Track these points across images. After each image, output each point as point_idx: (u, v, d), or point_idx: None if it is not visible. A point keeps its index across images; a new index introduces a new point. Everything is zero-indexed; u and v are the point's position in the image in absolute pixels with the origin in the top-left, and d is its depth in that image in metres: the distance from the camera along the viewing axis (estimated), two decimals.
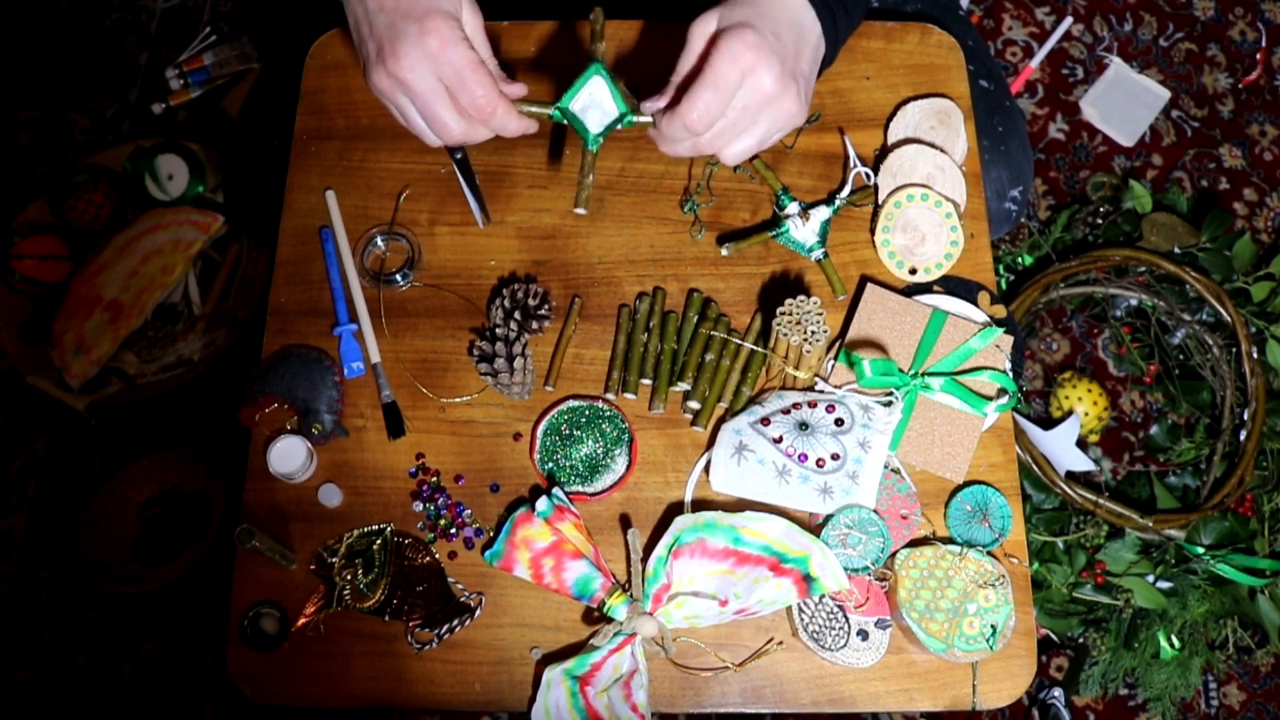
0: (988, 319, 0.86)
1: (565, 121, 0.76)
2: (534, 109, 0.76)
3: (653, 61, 0.95)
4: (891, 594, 0.78)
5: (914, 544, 0.79)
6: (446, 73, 0.71)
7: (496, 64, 0.77)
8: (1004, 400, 0.81)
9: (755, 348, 0.84)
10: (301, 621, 0.78)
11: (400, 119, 0.76)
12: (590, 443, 0.83)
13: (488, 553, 0.80)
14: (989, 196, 1.05)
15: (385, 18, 0.71)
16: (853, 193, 0.90)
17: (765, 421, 0.80)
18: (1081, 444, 1.49)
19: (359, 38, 0.75)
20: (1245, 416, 1.40)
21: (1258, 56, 1.80)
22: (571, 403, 0.84)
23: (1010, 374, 0.83)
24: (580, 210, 0.75)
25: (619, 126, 0.76)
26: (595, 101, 0.76)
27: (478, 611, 0.79)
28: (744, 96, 0.72)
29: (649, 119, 0.76)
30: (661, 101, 0.75)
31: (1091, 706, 1.44)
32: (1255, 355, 1.39)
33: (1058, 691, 1.40)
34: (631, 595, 0.77)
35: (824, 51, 0.79)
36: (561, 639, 0.79)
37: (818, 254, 0.88)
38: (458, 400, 0.85)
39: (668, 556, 0.76)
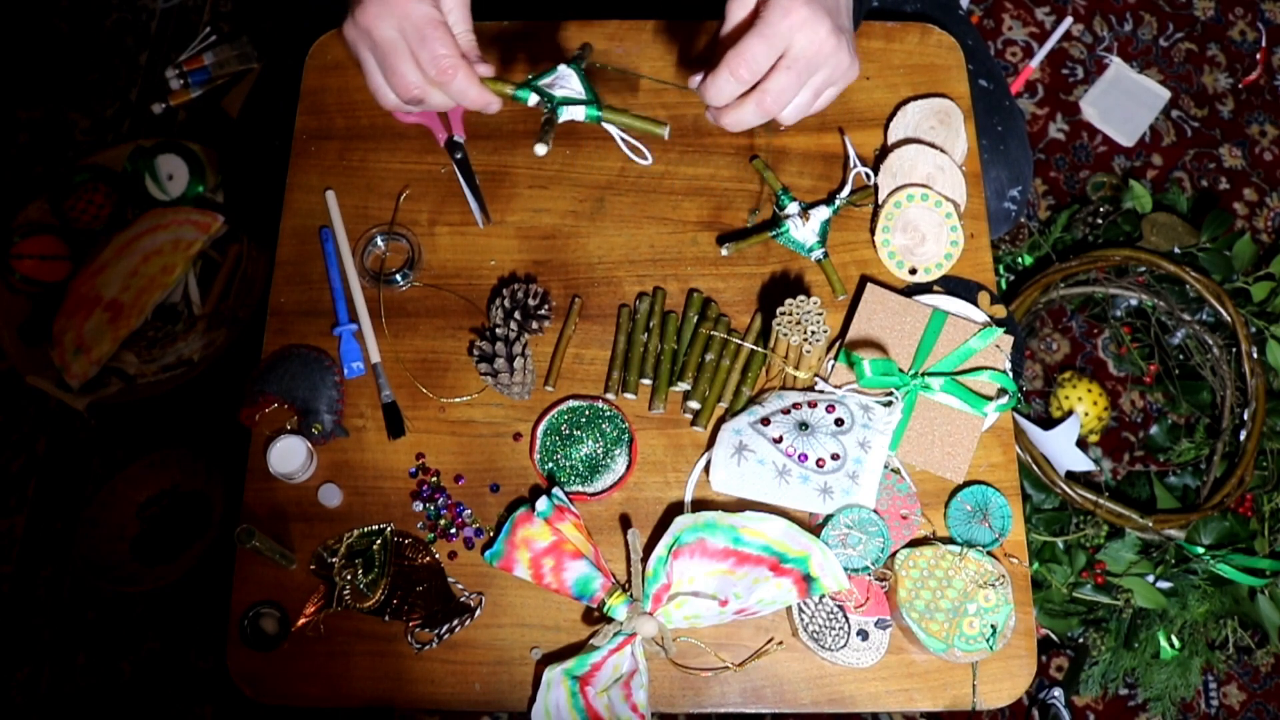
0: (988, 319, 0.86)
1: (529, 102, 0.77)
2: (499, 85, 0.76)
3: (660, 59, 0.95)
4: (891, 594, 0.78)
5: (914, 544, 0.79)
6: (407, 26, 0.72)
7: (473, 40, 0.77)
8: (1004, 400, 0.81)
9: (755, 348, 0.84)
10: (301, 621, 0.78)
11: (365, 75, 0.77)
12: (590, 443, 0.83)
13: (488, 553, 0.80)
14: (988, 196, 1.05)
15: None
16: (853, 193, 0.90)
17: (765, 421, 0.80)
18: (1081, 444, 1.49)
19: None
20: (1245, 416, 1.40)
21: (1258, 56, 1.80)
22: (571, 403, 0.84)
23: (1010, 374, 0.83)
24: (540, 148, 0.74)
25: (584, 116, 0.77)
26: (563, 85, 0.78)
27: (478, 611, 0.79)
28: (802, 46, 0.72)
29: (609, 115, 0.77)
30: (702, 75, 0.75)
31: (1091, 706, 1.44)
32: (1255, 355, 1.39)
33: (1058, 691, 1.40)
34: (631, 595, 0.77)
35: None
36: (561, 639, 0.79)
37: (818, 254, 0.88)
38: (458, 400, 0.85)
39: (668, 556, 0.76)
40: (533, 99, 0.77)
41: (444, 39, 0.73)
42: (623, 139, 0.81)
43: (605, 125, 0.79)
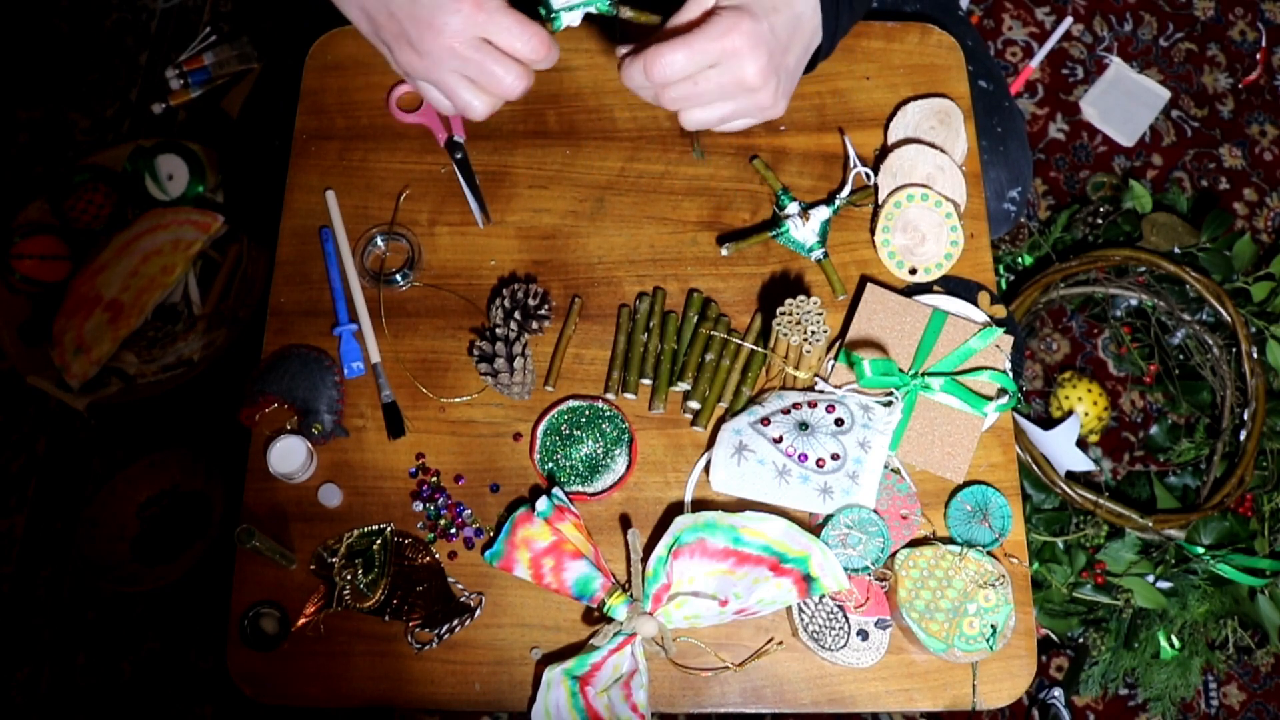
0: (988, 319, 0.86)
1: (562, 27, 0.74)
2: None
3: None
4: (891, 594, 0.78)
5: (914, 544, 0.79)
6: (493, 29, 0.69)
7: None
8: (1004, 400, 0.81)
9: (755, 348, 0.84)
10: (301, 621, 0.78)
11: (438, 98, 0.74)
12: (590, 443, 0.83)
13: (488, 553, 0.80)
14: (988, 196, 1.05)
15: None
16: (853, 193, 0.90)
17: (765, 421, 0.80)
18: (1081, 444, 1.49)
19: (374, 26, 0.73)
20: (1245, 416, 1.40)
21: (1258, 56, 1.80)
22: (571, 403, 0.84)
23: (1010, 374, 0.83)
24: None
25: (593, 8, 0.74)
26: None
27: (478, 611, 0.79)
28: (720, 76, 0.70)
29: (623, 11, 0.75)
30: (629, 49, 0.73)
31: (1091, 706, 1.44)
32: (1255, 355, 1.39)
33: (1058, 691, 1.40)
34: (631, 595, 0.77)
35: (819, 43, 0.78)
36: (561, 639, 0.79)
37: (818, 254, 0.88)
38: (458, 400, 0.85)
39: (668, 556, 0.76)
40: (565, 18, 0.74)
41: (498, 58, 0.70)
42: (632, 17, 0.78)
43: (620, 13, 0.76)
